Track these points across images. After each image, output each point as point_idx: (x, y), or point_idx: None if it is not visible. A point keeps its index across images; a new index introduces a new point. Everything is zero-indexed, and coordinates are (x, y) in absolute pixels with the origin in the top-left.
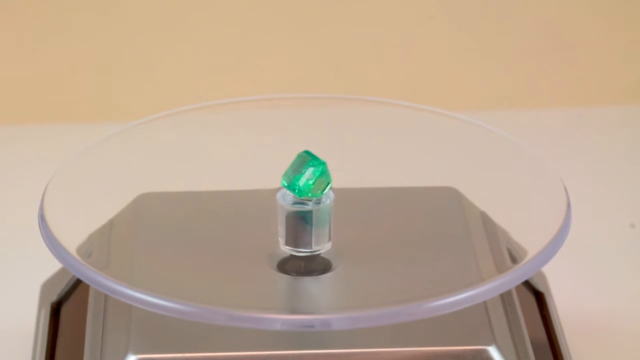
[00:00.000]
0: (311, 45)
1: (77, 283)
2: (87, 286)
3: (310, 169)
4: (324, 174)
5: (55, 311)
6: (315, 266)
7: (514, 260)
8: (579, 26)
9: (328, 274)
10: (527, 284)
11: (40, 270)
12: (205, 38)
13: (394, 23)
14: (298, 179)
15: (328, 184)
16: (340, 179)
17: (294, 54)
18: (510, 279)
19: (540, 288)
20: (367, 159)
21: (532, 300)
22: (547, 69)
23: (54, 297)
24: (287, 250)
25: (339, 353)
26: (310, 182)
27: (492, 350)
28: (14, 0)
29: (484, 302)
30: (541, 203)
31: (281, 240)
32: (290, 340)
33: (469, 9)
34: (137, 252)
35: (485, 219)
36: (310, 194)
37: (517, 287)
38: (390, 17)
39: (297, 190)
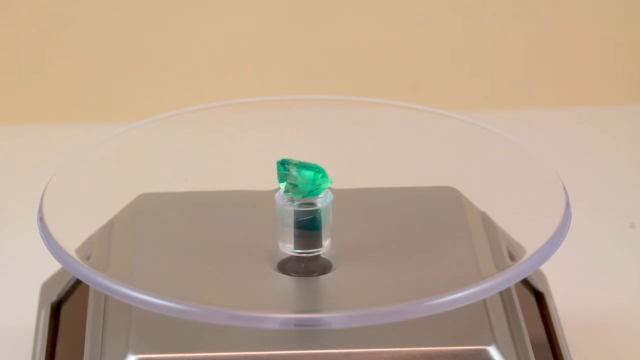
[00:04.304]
0: (311, 46)
1: (77, 283)
2: (87, 286)
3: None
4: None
5: (55, 311)
6: (315, 266)
7: (514, 259)
8: (579, 26)
9: (328, 275)
10: (527, 284)
11: (40, 270)
12: (205, 38)
13: (394, 23)
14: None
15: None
16: (340, 179)
17: (293, 55)
18: (509, 277)
19: (540, 288)
20: (367, 159)
21: (532, 300)
22: (546, 69)
23: (54, 297)
24: (286, 250)
25: (339, 353)
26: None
27: (492, 350)
28: (14, 0)
29: (484, 302)
30: (540, 203)
31: (280, 241)
32: (290, 340)
33: (469, 9)
34: (137, 252)
35: (485, 219)
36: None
37: (517, 287)
38: (390, 18)
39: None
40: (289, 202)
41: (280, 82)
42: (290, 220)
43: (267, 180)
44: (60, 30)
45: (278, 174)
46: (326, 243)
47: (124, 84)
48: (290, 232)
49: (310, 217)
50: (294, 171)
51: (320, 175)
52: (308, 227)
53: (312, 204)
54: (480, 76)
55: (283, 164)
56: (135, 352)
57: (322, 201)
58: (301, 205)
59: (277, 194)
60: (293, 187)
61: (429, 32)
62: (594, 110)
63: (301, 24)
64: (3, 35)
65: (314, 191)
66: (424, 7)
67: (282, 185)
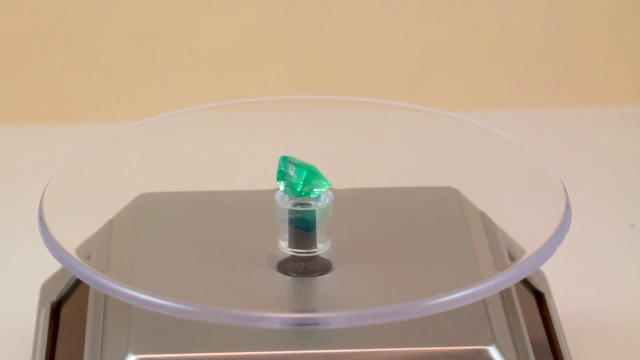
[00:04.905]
0: (311, 46)
1: (77, 283)
2: (87, 286)
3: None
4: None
5: (55, 311)
6: (314, 267)
7: (514, 259)
8: (579, 26)
9: (328, 275)
10: (527, 284)
11: (40, 270)
12: (206, 38)
13: (393, 23)
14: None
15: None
16: (340, 179)
17: (293, 55)
18: (509, 277)
19: (540, 288)
20: (367, 159)
21: (532, 300)
22: (547, 69)
23: (54, 297)
24: (286, 250)
25: (339, 353)
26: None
27: (492, 350)
28: (14, 0)
29: (484, 302)
30: (540, 203)
31: (280, 241)
32: (290, 340)
33: (468, 9)
34: (137, 252)
35: (485, 219)
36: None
37: (517, 287)
38: (389, 18)
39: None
40: (286, 200)
41: (280, 82)
42: (285, 218)
43: (267, 180)
44: (60, 30)
45: (278, 170)
46: (323, 244)
47: (124, 84)
48: (289, 232)
49: (304, 217)
50: (291, 170)
51: (315, 177)
52: (301, 227)
53: (307, 205)
54: (480, 76)
55: (285, 160)
56: (135, 352)
57: (317, 202)
58: (296, 204)
59: (276, 194)
60: (289, 186)
61: (428, 32)
62: (594, 110)
63: (301, 24)
64: (3, 35)
65: (308, 193)
66: (424, 7)
67: (280, 183)
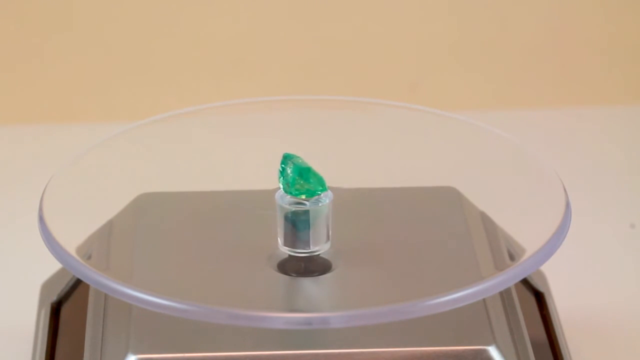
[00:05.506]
0: (312, 46)
1: (77, 283)
2: (87, 286)
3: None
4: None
5: (55, 311)
6: (314, 267)
7: (514, 259)
8: (579, 26)
9: (327, 275)
10: (527, 284)
11: (40, 270)
12: (206, 38)
13: (393, 23)
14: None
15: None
16: (340, 179)
17: (293, 55)
18: (509, 277)
19: (540, 288)
20: (367, 159)
21: (532, 300)
22: (546, 69)
23: (54, 297)
24: (286, 250)
25: (339, 353)
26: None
27: (492, 350)
28: (14, 0)
29: (484, 302)
30: (540, 203)
31: (280, 241)
32: (290, 340)
33: (469, 9)
34: (137, 252)
35: (485, 219)
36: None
37: (517, 287)
38: (389, 17)
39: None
40: (288, 202)
41: (280, 82)
42: (289, 220)
43: (268, 180)
44: (61, 30)
45: (280, 167)
46: (320, 245)
47: (124, 84)
48: (289, 231)
49: (298, 216)
50: (289, 169)
51: (311, 178)
52: (295, 226)
53: (303, 204)
54: (480, 76)
55: (286, 158)
56: (135, 352)
57: (317, 203)
58: (292, 204)
59: (276, 194)
60: (287, 184)
61: (429, 32)
62: (594, 110)
63: (301, 24)
64: (3, 35)
65: (303, 192)
66: (424, 7)
67: (280, 181)
